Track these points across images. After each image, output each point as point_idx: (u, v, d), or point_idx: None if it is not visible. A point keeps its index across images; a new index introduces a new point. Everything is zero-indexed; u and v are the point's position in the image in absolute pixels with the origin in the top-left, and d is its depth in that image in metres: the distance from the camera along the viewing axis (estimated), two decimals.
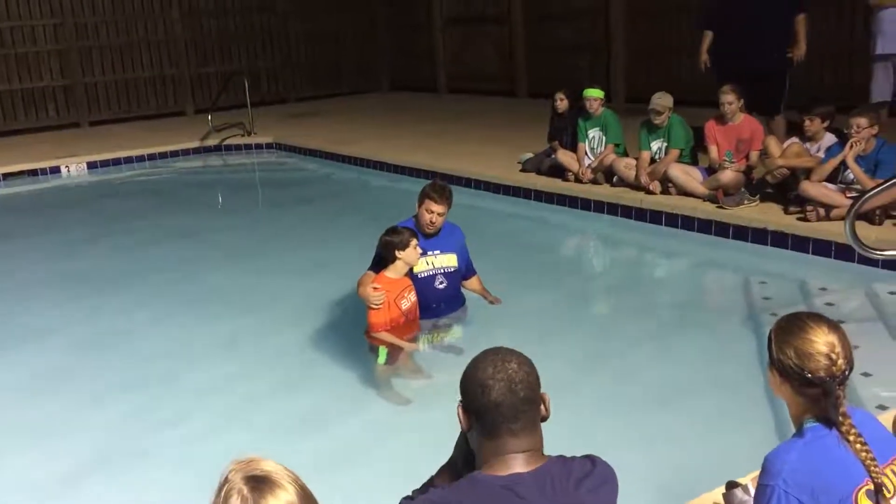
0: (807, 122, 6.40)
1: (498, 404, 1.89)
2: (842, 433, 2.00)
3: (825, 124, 6.39)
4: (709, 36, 8.04)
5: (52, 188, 10.65)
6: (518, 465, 1.90)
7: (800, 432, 2.07)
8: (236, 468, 1.56)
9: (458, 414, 1.99)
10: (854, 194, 5.75)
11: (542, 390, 1.98)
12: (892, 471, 2.01)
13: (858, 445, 1.98)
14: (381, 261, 4.86)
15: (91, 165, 11.11)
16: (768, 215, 6.33)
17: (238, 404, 4.46)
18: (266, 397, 4.52)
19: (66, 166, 10.97)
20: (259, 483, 1.53)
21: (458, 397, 2.00)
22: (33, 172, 10.83)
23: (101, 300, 6.15)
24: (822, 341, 2.02)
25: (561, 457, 1.97)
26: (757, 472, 2.11)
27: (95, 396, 4.61)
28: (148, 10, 14.67)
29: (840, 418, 2.00)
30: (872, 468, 1.96)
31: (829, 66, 9.82)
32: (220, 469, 1.59)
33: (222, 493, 1.54)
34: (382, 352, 4.79)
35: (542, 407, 1.97)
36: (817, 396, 2.03)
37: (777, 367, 2.08)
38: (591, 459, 1.98)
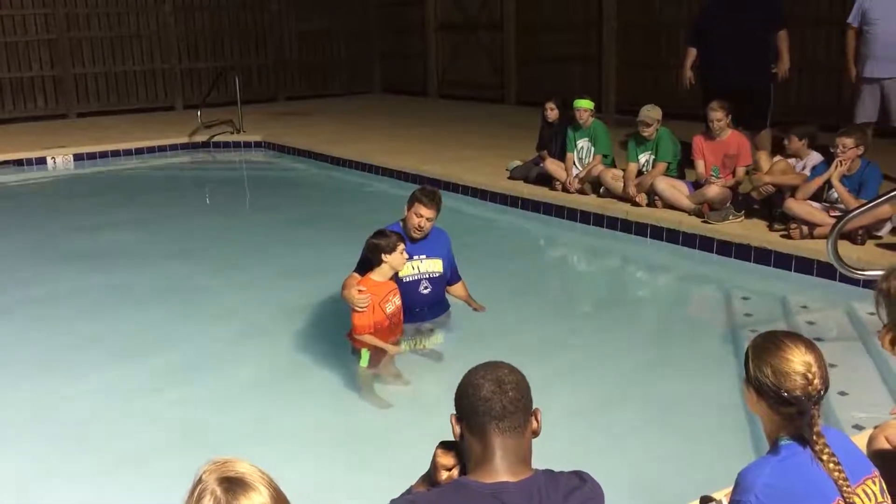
0: (785, 141, 6.55)
1: (486, 400, 1.93)
2: (815, 452, 2.01)
3: (803, 142, 6.48)
4: (692, 53, 8.19)
5: (38, 179, 10.58)
6: (505, 473, 1.91)
7: (774, 449, 2.08)
8: (210, 469, 1.56)
9: (451, 423, 2.01)
10: (838, 213, 5.79)
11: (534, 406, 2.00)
12: (864, 490, 2.03)
13: (832, 465, 2.00)
14: (367, 263, 4.86)
15: (77, 157, 11.04)
16: (752, 231, 6.37)
17: (216, 403, 4.44)
18: (245, 396, 4.50)
19: (53, 157, 10.91)
20: (232, 484, 1.53)
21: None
22: (19, 162, 10.76)
23: (77, 296, 6.11)
24: (798, 360, 2.03)
25: (549, 470, 1.98)
26: (731, 488, 2.12)
27: (65, 398, 4.56)
28: (140, 4, 14.63)
29: (814, 437, 2.02)
30: (844, 488, 1.98)
31: (817, 83, 9.93)
32: (195, 469, 1.59)
33: (195, 494, 1.54)
34: (365, 354, 4.78)
35: (534, 420, 1.99)
36: (792, 415, 2.04)
37: (753, 385, 2.09)
38: (579, 475, 1.99)
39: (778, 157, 6.72)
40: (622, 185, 7.27)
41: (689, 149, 7.13)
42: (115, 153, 11.36)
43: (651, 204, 7.09)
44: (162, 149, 11.65)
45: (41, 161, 10.85)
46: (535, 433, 2.00)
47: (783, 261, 6.03)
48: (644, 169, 7.29)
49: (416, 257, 5.01)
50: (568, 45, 13.11)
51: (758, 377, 2.07)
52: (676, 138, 7.32)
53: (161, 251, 7.19)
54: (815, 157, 6.44)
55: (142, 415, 4.32)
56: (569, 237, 7.57)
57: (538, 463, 2.00)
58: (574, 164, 7.79)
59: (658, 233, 6.87)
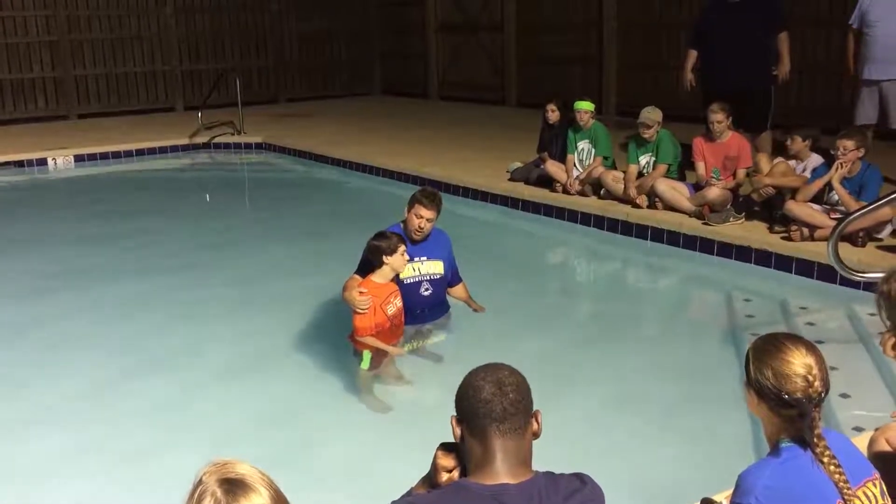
0: (788, 142, 6.53)
1: (487, 402, 1.93)
2: (816, 454, 2.01)
3: (806, 143, 6.46)
4: (693, 55, 8.17)
5: (39, 180, 10.59)
6: (506, 475, 1.91)
7: (774, 451, 2.08)
8: (210, 470, 1.56)
9: (452, 425, 2.01)
10: (838, 216, 5.79)
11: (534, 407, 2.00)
12: (864, 493, 2.03)
13: (832, 467, 2.00)
14: (368, 265, 4.86)
15: (78, 158, 11.05)
16: (753, 233, 6.36)
17: (215, 405, 4.44)
18: (247, 398, 4.50)
19: (53, 158, 10.92)
20: (232, 486, 1.53)
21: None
22: (20, 163, 10.77)
23: (78, 296, 6.11)
24: (799, 363, 2.03)
25: (549, 472, 1.98)
26: (731, 490, 2.12)
27: (65, 398, 4.56)
28: (142, 5, 14.65)
29: (815, 440, 2.02)
30: (845, 490, 1.98)
31: (817, 85, 9.94)
32: (195, 470, 1.59)
33: (195, 495, 1.54)
34: (366, 356, 4.78)
35: (535, 422, 1.99)
36: (793, 417, 2.04)
37: (754, 387, 2.10)
38: (580, 478, 1.99)
39: (778, 159, 6.71)
40: (623, 186, 7.27)
41: (690, 151, 7.13)
42: (116, 154, 11.36)
43: (651, 206, 7.08)
44: (163, 150, 11.66)
45: (42, 162, 10.86)
46: (536, 435, 2.00)
47: (784, 263, 6.03)
48: (644, 171, 7.29)
49: (416, 259, 5.01)
50: (568, 47, 13.11)
51: (758, 379, 2.07)
52: (677, 140, 7.32)
53: (161, 252, 7.19)
54: (815, 160, 6.44)
55: (141, 415, 4.32)
56: (569, 239, 7.57)
57: (539, 465, 1.99)
58: (574, 165, 7.79)
59: (659, 235, 6.87)
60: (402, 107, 14.89)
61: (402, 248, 4.76)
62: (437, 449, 2.09)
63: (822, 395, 2.04)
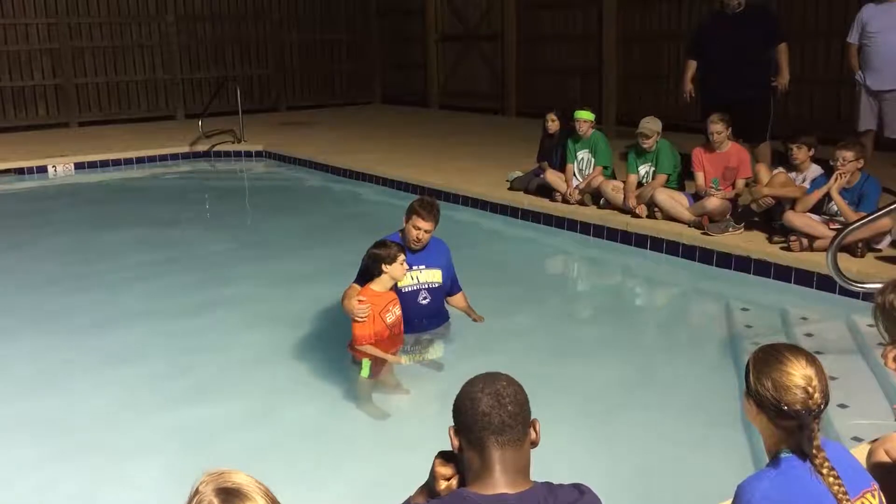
0: (794, 150, 6.48)
1: (485, 414, 1.92)
2: (815, 465, 2.01)
3: (811, 153, 6.47)
4: (692, 65, 8.19)
5: (39, 187, 10.61)
6: (504, 486, 1.90)
7: (773, 462, 2.08)
8: (207, 480, 1.55)
9: (450, 436, 2.01)
10: (837, 226, 5.80)
11: (532, 417, 2.00)
12: (862, 503, 2.03)
13: (831, 479, 1.99)
14: (367, 274, 4.86)
15: (78, 166, 11.08)
16: (752, 243, 6.37)
17: (215, 414, 4.43)
18: (245, 406, 4.49)
19: (54, 166, 10.94)
20: (230, 495, 1.53)
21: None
22: (20, 171, 10.79)
23: (77, 303, 6.11)
24: (799, 374, 2.03)
25: (548, 483, 1.97)
26: (730, 501, 2.11)
27: (63, 402, 4.56)
28: (143, 14, 14.70)
29: (814, 451, 2.02)
30: (843, 501, 1.97)
31: (817, 96, 9.96)
32: (192, 480, 1.59)
33: None
34: (366, 364, 4.78)
35: (533, 431, 1.99)
36: (792, 428, 2.04)
37: (754, 398, 2.09)
38: (578, 488, 1.98)
39: (778, 170, 6.72)
40: (622, 196, 7.28)
41: (689, 161, 7.14)
42: (116, 162, 11.39)
43: (651, 216, 7.09)
44: (163, 158, 11.69)
45: (42, 170, 10.89)
46: (534, 444, 1.99)
47: (783, 273, 6.03)
48: (644, 181, 7.29)
49: (415, 268, 5.01)
50: (568, 57, 13.16)
51: (758, 390, 2.07)
52: (676, 150, 7.33)
53: (160, 261, 7.18)
54: (814, 170, 6.45)
55: (141, 423, 4.31)
56: (569, 248, 7.57)
57: (536, 474, 1.99)
58: (574, 175, 7.80)
59: (658, 244, 6.88)
60: (402, 116, 14.92)
61: (402, 256, 4.76)
62: (436, 457, 2.09)
63: (822, 406, 2.04)
